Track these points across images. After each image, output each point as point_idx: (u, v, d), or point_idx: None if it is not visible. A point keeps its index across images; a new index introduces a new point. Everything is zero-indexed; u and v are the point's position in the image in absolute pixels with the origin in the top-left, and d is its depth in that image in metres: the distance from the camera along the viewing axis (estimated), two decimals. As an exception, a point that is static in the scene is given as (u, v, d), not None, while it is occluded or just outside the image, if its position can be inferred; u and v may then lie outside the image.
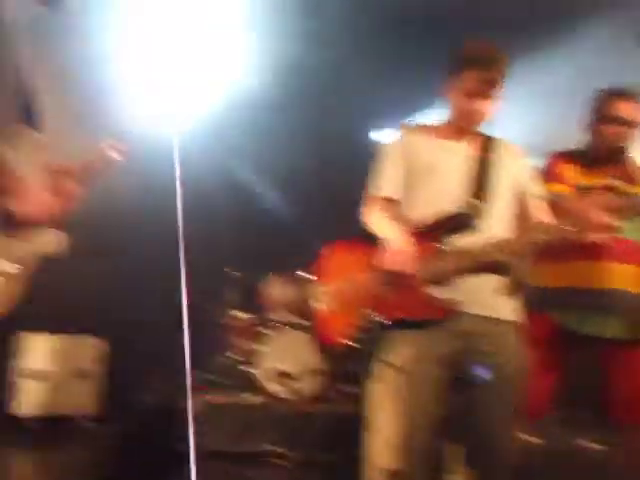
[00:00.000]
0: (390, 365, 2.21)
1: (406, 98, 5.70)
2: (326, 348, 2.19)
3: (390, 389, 2.21)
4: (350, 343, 2.20)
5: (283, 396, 4.49)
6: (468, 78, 2.21)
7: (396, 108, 6.05)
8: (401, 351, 2.18)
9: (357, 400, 4.53)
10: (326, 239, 2.45)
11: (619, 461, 2.59)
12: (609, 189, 2.76)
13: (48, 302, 4.57)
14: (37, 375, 4.41)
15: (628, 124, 2.80)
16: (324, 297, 2.33)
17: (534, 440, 2.65)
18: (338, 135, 6.07)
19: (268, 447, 4.07)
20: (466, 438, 2.19)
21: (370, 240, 2.29)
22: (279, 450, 4.04)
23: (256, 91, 5.06)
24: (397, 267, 2.15)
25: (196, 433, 3.92)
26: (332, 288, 2.33)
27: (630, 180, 2.76)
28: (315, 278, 2.38)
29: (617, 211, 2.09)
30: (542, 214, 2.31)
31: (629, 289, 2.75)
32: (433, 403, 2.13)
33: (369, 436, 2.25)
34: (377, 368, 2.25)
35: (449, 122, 2.38)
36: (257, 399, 4.47)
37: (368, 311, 2.19)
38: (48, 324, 4.53)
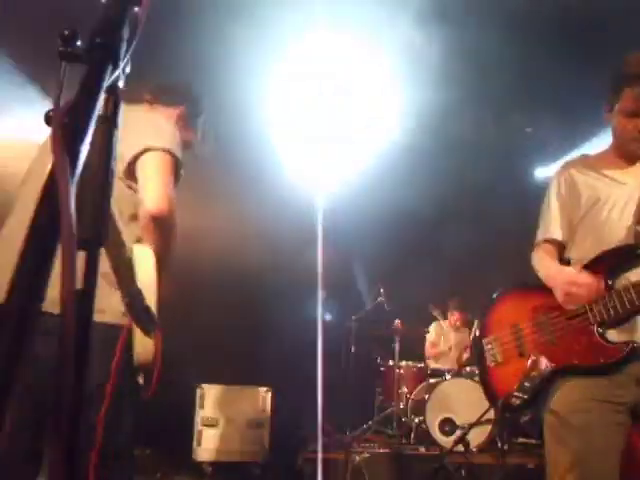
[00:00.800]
0: (559, 414, 2.03)
1: (568, 130, 5.46)
2: (496, 400, 2.10)
3: (559, 439, 2.01)
4: (519, 394, 2.05)
5: (451, 446, 4.35)
6: (628, 97, 2.01)
7: (560, 141, 5.81)
8: (572, 399, 2.01)
9: (527, 452, 4.29)
10: (488, 286, 2.38)
11: None
12: None
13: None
14: (213, 423, 4.70)
15: None
16: (493, 348, 2.20)
17: None
18: (500, 174, 5.94)
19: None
20: None
21: (538, 288, 2.17)
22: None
23: (406, 139, 5.15)
24: (580, 297, 2.01)
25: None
26: (501, 338, 2.20)
27: None
28: (484, 329, 2.25)
29: None
30: None
31: None
32: (609, 452, 1.95)
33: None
34: (549, 418, 2.10)
35: (614, 149, 2.19)
36: (424, 449, 4.39)
37: (539, 358, 2.06)
38: (221, 376, 4.83)
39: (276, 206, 5.15)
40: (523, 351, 2.10)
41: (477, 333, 2.27)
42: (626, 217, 2.06)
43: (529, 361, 2.05)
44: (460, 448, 4.30)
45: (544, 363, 2.02)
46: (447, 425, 4.44)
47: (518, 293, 2.25)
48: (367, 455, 4.17)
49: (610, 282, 2.00)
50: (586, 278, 2.02)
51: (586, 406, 1.97)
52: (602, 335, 1.99)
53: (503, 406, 2.11)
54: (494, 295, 2.28)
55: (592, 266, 2.05)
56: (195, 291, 5.03)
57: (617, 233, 2.06)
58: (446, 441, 4.40)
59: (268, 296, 5.31)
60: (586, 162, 2.22)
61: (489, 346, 2.18)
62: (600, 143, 2.32)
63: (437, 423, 4.47)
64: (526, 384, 2.02)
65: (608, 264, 2.02)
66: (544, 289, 2.13)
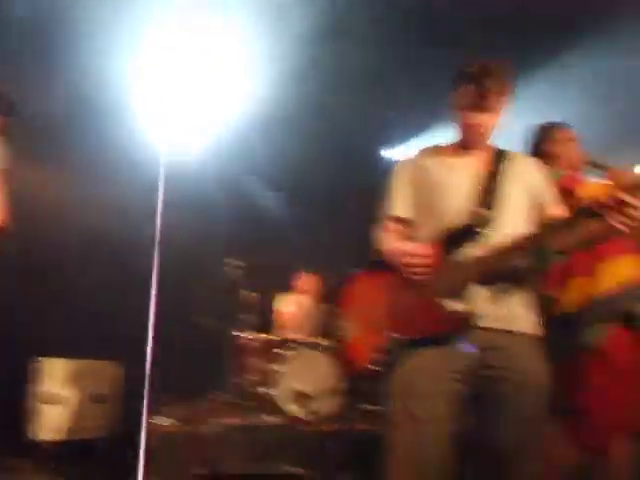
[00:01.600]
0: (405, 384, 2.17)
1: (420, 117, 5.71)
2: (350, 371, 2.21)
3: (405, 408, 2.14)
4: (374, 367, 2.20)
5: (301, 417, 4.46)
6: (464, 93, 2.25)
7: (409, 126, 6.08)
8: (415, 369, 2.16)
9: (376, 419, 4.51)
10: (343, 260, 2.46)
11: None
12: None
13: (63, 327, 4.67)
14: (55, 400, 4.42)
15: None
16: (348, 322, 2.34)
17: None
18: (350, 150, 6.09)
19: (287, 468, 4.03)
20: (483, 456, 2.16)
21: (389, 265, 2.28)
22: (298, 471, 4.01)
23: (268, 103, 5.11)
24: (415, 263, 2.16)
25: (214, 455, 3.91)
26: (355, 313, 2.35)
27: None
28: (341, 303, 2.39)
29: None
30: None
31: None
32: (447, 421, 2.11)
33: (388, 455, 2.20)
34: (395, 387, 2.21)
35: (459, 140, 2.40)
36: (275, 420, 4.44)
37: (389, 332, 2.19)
38: (64, 349, 4.56)
39: (125, 174, 4.95)
40: (377, 325, 2.23)
41: (333, 306, 2.39)
42: (464, 200, 2.26)
43: (383, 335, 2.19)
44: (310, 417, 4.43)
45: (395, 336, 2.16)
46: (299, 396, 4.53)
47: (373, 269, 2.38)
48: (217, 427, 4.15)
49: (448, 255, 2.19)
50: (421, 249, 2.19)
51: (426, 376, 2.13)
52: (444, 305, 2.14)
53: (357, 378, 2.27)
54: (350, 269, 2.41)
55: (433, 243, 2.22)
56: (36, 259, 4.67)
57: (458, 215, 2.24)
58: (298, 411, 4.50)
59: (110, 267, 5.09)
60: (436, 150, 2.44)
61: (344, 320, 2.32)
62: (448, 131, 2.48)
63: (289, 394, 4.54)
64: (379, 357, 2.18)
65: (447, 241, 2.21)
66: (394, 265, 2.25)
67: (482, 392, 2.15)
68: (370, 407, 4.42)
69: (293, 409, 4.52)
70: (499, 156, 2.36)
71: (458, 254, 2.19)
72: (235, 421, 4.36)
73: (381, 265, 2.32)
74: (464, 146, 2.37)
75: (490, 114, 2.26)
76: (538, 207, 2.32)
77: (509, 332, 2.17)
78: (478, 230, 2.20)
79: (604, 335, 2.75)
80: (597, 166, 2.89)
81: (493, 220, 2.22)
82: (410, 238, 2.33)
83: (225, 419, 4.34)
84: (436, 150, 2.44)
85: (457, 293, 2.14)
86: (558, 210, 2.30)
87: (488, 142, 2.35)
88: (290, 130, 5.59)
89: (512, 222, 2.24)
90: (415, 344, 2.16)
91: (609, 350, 2.74)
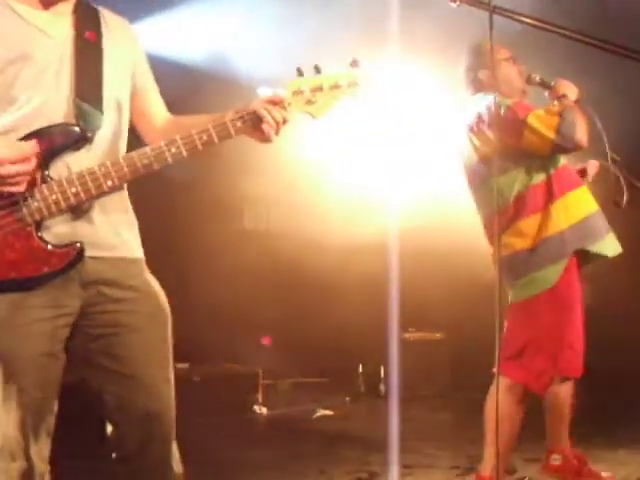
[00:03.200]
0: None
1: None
2: None
3: None
4: None
5: None
6: None
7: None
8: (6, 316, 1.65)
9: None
10: None
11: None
12: None
13: None
14: None
15: None
16: None
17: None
18: None
19: None
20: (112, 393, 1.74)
21: None
22: None
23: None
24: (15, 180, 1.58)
25: None
26: None
27: None
28: None
29: None
30: (164, 110, 1.91)
31: None
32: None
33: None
34: None
35: None
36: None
37: None
38: None
39: None
40: None
41: None
42: (64, 85, 1.69)
43: None
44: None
45: None
46: None
47: None
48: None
49: (47, 171, 1.64)
50: (19, 154, 1.58)
51: (20, 323, 1.64)
52: (41, 238, 1.64)
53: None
54: None
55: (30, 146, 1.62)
56: None
57: (56, 105, 1.67)
58: None
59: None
60: None
61: None
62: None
63: None
64: None
65: (43, 146, 1.63)
66: None
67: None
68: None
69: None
70: (94, 15, 1.77)
71: (60, 166, 1.66)
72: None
73: None
74: None
75: None
76: (140, 90, 1.85)
77: (124, 259, 1.78)
78: (80, 132, 1.65)
79: (556, 276, 2.65)
80: (542, 85, 2.71)
81: (98, 118, 1.69)
82: None
83: None
84: None
85: (55, 220, 1.65)
86: (158, 100, 1.91)
87: None
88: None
89: (120, 119, 1.77)
90: (6, 289, 1.63)
91: (561, 291, 2.65)
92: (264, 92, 1.89)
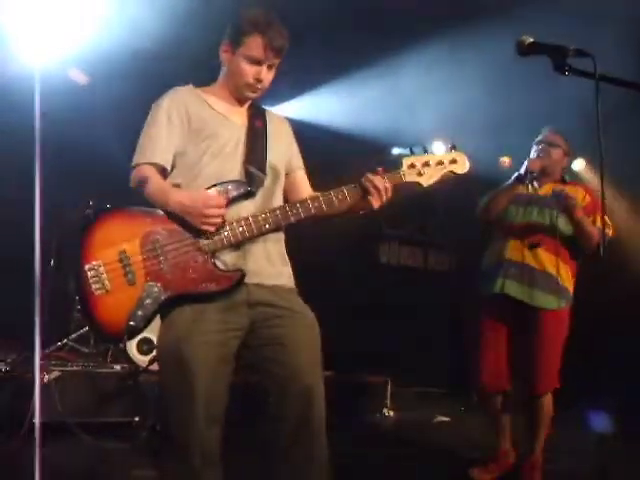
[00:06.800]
0: (172, 340, 2.06)
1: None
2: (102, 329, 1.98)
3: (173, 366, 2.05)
4: (133, 323, 2.02)
5: (146, 365, 4.38)
6: (255, 44, 2.11)
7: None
8: (182, 326, 2.05)
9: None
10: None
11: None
12: None
13: None
14: None
15: None
16: (99, 275, 2.05)
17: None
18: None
19: (118, 417, 4.02)
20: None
21: (145, 211, 2.12)
22: (129, 419, 4.00)
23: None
24: (212, 213, 2.03)
25: (48, 403, 3.82)
26: (108, 265, 2.07)
27: None
28: (84, 253, 2.08)
29: None
30: (308, 186, 2.37)
31: None
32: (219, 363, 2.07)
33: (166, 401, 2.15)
34: (159, 345, 2.14)
35: (225, 87, 2.26)
36: (119, 367, 4.38)
37: (151, 287, 2.02)
38: None
39: None
40: (133, 279, 2.04)
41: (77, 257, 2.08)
42: (239, 155, 2.17)
43: (143, 289, 2.03)
44: (155, 367, 4.36)
45: (157, 291, 2.02)
46: (145, 344, 4.46)
47: (122, 214, 2.14)
48: (58, 373, 4.05)
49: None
50: (216, 199, 2.05)
51: (194, 333, 2.02)
52: (215, 263, 2.07)
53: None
54: (90, 213, 2.16)
55: (219, 195, 2.12)
56: None
57: (229, 169, 2.15)
58: (143, 360, 4.43)
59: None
60: (196, 93, 2.26)
61: (93, 272, 2.04)
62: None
63: (135, 342, 4.46)
64: (139, 313, 2.01)
65: (227, 196, 2.11)
66: (153, 213, 2.11)
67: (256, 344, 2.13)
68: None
69: (140, 358, 4.45)
70: (262, 113, 2.30)
71: (232, 211, 2.10)
72: (78, 368, 4.27)
73: (136, 209, 2.14)
74: (233, 95, 2.26)
75: (273, 70, 2.20)
76: (289, 170, 2.34)
77: (278, 287, 2.17)
78: (248, 189, 2.12)
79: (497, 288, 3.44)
80: None
81: (261, 180, 2.16)
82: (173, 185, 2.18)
83: (70, 367, 4.25)
84: (199, 93, 2.27)
85: (226, 251, 2.09)
86: (304, 178, 2.37)
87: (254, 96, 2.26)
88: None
89: (277, 185, 2.24)
90: (184, 300, 2.05)
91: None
92: (396, 151, 2.65)
